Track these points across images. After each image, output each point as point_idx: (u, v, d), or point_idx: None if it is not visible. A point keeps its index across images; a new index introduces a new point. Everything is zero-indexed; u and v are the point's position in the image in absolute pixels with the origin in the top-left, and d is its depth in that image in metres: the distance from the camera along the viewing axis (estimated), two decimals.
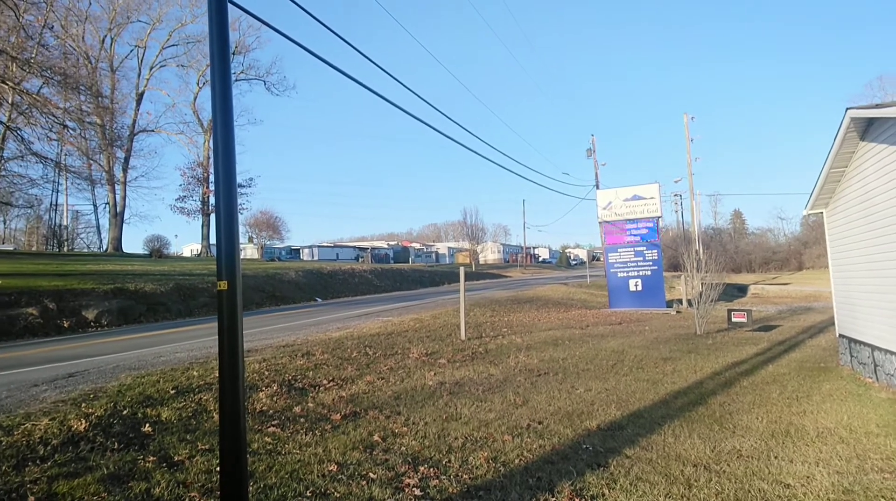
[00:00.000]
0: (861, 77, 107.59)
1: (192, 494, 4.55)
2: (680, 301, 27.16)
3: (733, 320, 17.61)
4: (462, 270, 15.42)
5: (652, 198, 25.52)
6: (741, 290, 41.50)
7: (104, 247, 47.65)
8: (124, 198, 46.72)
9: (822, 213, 12.11)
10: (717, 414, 7.70)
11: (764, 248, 74.68)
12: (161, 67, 50.40)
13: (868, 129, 9.31)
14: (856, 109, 9.04)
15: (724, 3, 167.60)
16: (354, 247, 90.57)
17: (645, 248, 25.29)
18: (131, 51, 48.48)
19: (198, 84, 50.57)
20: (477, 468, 5.43)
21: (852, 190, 10.29)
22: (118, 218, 46.28)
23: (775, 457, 5.91)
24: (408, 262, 75.84)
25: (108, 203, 46.79)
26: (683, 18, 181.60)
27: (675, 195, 50.34)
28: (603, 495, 4.80)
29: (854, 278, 10.69)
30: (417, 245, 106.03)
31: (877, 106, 8.63)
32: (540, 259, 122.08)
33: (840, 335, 11.77)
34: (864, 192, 9.68)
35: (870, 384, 9.75)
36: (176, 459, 5.34)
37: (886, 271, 8.99)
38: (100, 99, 43.38)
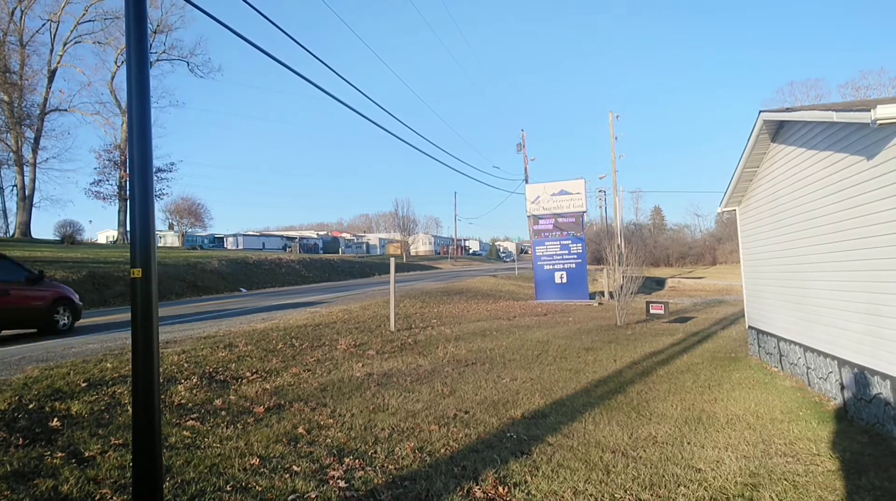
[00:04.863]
0: (773, 82, 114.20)
1: (104, 491, 4.32)
2: (602, 293, 28.01)
3: (651, 311, 18.33)
4: (393, 261, 15.34)
5: (578, 193, 26.15)
6: (659, 283, 43.30)
7: (11, 232, 44.61)
8: (34, 180, 43.88)
9: (735, 210, 12.74)
10: (634, 402, 8.00)
11: (681, 243, 77.98)
12: (76, 43, 47.54)
13: (779, 131, 9.85)
14: (768, 112, 9.52)
15: (647, 8, 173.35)
16: (282, 236, 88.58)
17: (570, 241, 25.91)
18: (43, 25, 45.37)
19: (116, 63, 47.98)
20: (403, 458, 5.42)
21: (763, 189, 10.87)
22: (27, 201, 43.38)
23: (688, 443, 6.19)
24: (338, 252, 74.84)
25: (15, 185, 43.77)
26: (610, 19, 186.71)
27: (600, 191, 51.87)
28: (525, 482, 4.89)
29: (763, 273, 11.32)
30: (348, 236, 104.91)
31: (787, 110, 9.13)
32: (470, 251, 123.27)
33: (749, 327, 12.45)
34: (772, 191, 10.24)
35: (775, 373, 10.36)
36: (87, 455, 5.06)
37: (791, 265, 9.56)
38: (7, 75, 40.71)
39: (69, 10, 45.55)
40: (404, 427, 6.43)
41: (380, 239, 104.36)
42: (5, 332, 12.41)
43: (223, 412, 6.67)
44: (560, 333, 15.00)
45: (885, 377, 6.59)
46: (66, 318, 13.29)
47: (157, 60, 49.18)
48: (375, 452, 5.57)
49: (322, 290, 27.95)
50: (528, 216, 27.06)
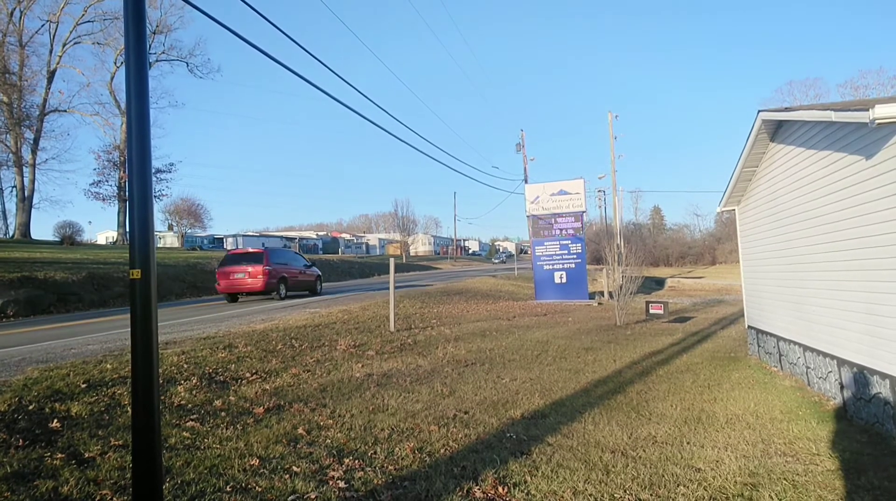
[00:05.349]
0: (772, 82, 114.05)
1: (104, 492, 4.33)
2: (602, 293, 28.01)
3: (651, 311, 18.33)
4: (392, 261, 15.34)
5: (577, 193, 26.15)
6: (659, 283, 43.34)
7: (10, 233, 44.58)
8: (33, 181, 43.83)
9: (734, 210, 12.75)
10: (634, 402, 8.00)
11: (681, 243, 78.00)
12: (75, 43, 47.46)
13: (777, 131, 9.85)
14: (767, 111, 9.52)
15: (647, 8, 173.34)
16: (282, 237, 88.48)
17: (570, 241, 25.90)
18: (43, 25, 45.32)
19: (115, 63, 47.90)
20: (403, 458, 5.43)
21: (762, 189, 10.88)
22: (26, 202, 43.34)
23: (688, 443, 6.20)
24: (337, 253, 74.85)
25: (15, 186, 43.75)
26: (609, 19, 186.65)
27: (599, 191, 51.83)
28: (525, 482, 4.90)
29: (762, 272, 11.32)
30: (347, 236, 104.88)
31: (786, 109, 9.14)
32: (470, 252, 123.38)
33: (749, 327, 12.45)
34: (772, 191, 10.25)
35: (775, 372, 10.37)
36: (86, 456, 5.07)
37: (790, 265, 9.56)
38: (7, 76, 40.67)
39: (68, 10, 45.52)
40: (404, 428, 6.44)
41: (379, 239, 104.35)
42: (295, 293, 22.90)
43: (223, 413, 6.67)
44: (560, 333, 15.00)
45: (884, 376, 6.59)
46: (320, 287, 24.52)
47: (157, 61, 49.20)
48: (375, 452, 5.57)
49: (321, 290, 27.91)
50: (528, 216, 27.07)
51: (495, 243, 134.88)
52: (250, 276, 20.04)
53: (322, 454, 5.44)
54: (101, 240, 68.77)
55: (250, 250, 23.90)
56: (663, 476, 5.12)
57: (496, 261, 73.03)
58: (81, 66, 62.19)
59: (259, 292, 20.65)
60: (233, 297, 21.12)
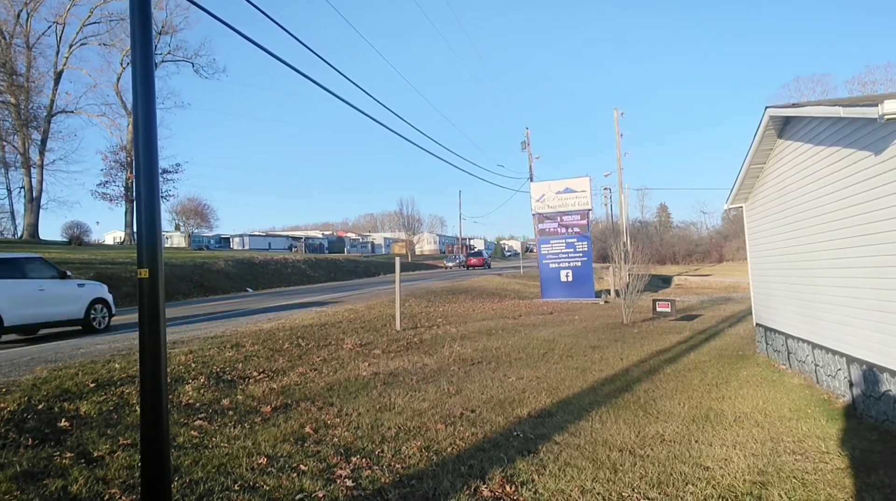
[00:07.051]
0: (779, 78, 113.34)
1: (113, 491, 4.34)
2: (608, 291, 27.98)
3: (658, 309, 18.24)
4: (398, 260, 15.37)
5: (583, 191, 26.08)
6: (666, 281, 43.21)
7: (19, 234, 44.86)
8: (41, 182, 44.14)
9: (741, 207, 12.67)
10: (641, 400, 7.97)
11: (687, 240, 77.75)
12: (81, 45, 47.81)
13: (785, 127, 9.78)
14: (774, 108, 9.46)
15: (654, 4, 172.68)
16: (288, 236, 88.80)
17: (576, 240, 25.84)
18: (49, 27, 45.64)
19: (121, 64, 48.17)
20: (410, 457, 5.43)
21: (770, 185, 10.81)
22: (34, 203, 43.64)
23: (696, 441, 6.17)
24: (343, 252, 75.04)
25: (23, 187, 44.03)
26: (615, 15, 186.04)
27: (605, 189, 51.71)
28: (533, 480, 4.88)
29: (770, 270, 11.26)
30: (353, 235, 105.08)
31: (793, 105, 9.05)
32: (475, 250, 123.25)
33: (757, 324, 12.39)
34: (780, 187, 10.18)
35: (783, 370, 10.30)
36: (95, 455, 5.09)
37: (798, 262, 9.50)
38: (14, 77, 40.90)
39: (74, 12, 45.85)
40: (411, 426, 6.43)
41: (385, 238, 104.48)
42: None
43: (231, 412, 6.69)
44: (566, 331, 14.97)
45: (894, 373, 6.54)
46: (489, 266, 61.35)
47: (163, 62, 49.44)
48: (382, 451, 5.57)
49: (327, 289, 27.98)
50: (534, 215, 27.02)
51: (501, 242, 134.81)
52: (479, 261, 57.43)
53: (329, 452, 5.45)
54: (109, 240, 69.07)
55: (477, 250, 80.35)
56: (671, 474, 5.10)
57: (449, 264, 63.88)
58: (88, 67, 62.88)
59: (481, 267, 53.68)
60: (468, 268, 50.79)
